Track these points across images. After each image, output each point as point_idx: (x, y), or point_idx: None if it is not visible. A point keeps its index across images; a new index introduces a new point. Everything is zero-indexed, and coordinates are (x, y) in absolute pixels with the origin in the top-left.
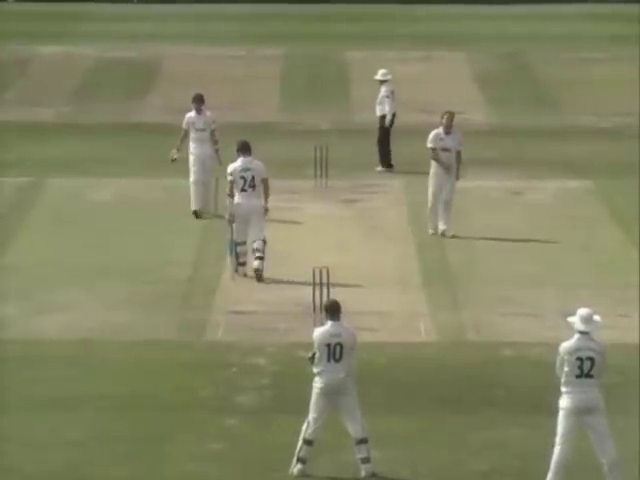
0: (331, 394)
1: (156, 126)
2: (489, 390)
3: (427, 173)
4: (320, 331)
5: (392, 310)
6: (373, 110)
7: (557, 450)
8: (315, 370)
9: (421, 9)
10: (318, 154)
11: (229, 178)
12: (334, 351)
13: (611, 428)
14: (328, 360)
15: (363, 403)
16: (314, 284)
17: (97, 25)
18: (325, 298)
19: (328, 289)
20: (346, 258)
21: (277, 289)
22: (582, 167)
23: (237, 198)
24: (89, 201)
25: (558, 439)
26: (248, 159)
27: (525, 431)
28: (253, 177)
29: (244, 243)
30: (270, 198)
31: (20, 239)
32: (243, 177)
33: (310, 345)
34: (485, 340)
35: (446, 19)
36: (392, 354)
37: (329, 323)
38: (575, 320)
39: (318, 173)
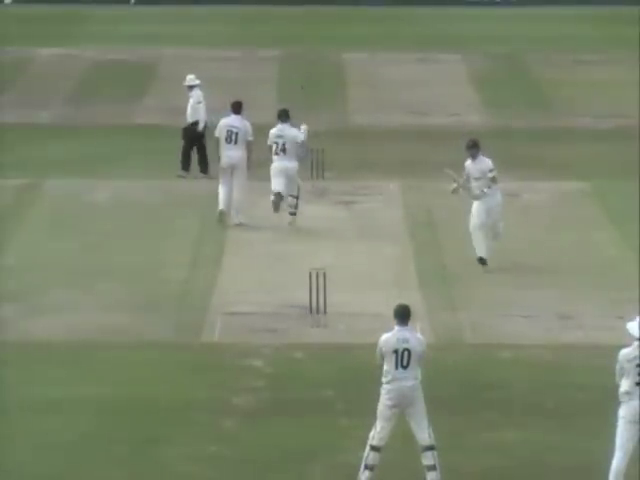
0: (399, 402)
1: (154, 127)
2: (486, 391)
3: (423, 174)
4: (387, 337)
5: (388, 312)
6: (371, 112)
7: (617, 458)
8: (383, 378)
9: (417, 11)
10: (314, 156)
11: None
12: (402, 358)
13: (612, 430)
14: (396, 367)
15: (361, 405)
16: (310, 286)
17: (95, 27)
18: (321, 300)
19: (325, 291)
20: (342, 260)
21: (274, 291)
22: (579, 169)
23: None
24: (87, 202)
25: (618, 447)
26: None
27: (522, 432)
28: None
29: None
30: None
31: (18, 240)
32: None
33: (307, 346)
34: (482, 341)
35: (442, 20)
36: None
37: (396, 328)
38: (634, 328)
39: (314, 175)
